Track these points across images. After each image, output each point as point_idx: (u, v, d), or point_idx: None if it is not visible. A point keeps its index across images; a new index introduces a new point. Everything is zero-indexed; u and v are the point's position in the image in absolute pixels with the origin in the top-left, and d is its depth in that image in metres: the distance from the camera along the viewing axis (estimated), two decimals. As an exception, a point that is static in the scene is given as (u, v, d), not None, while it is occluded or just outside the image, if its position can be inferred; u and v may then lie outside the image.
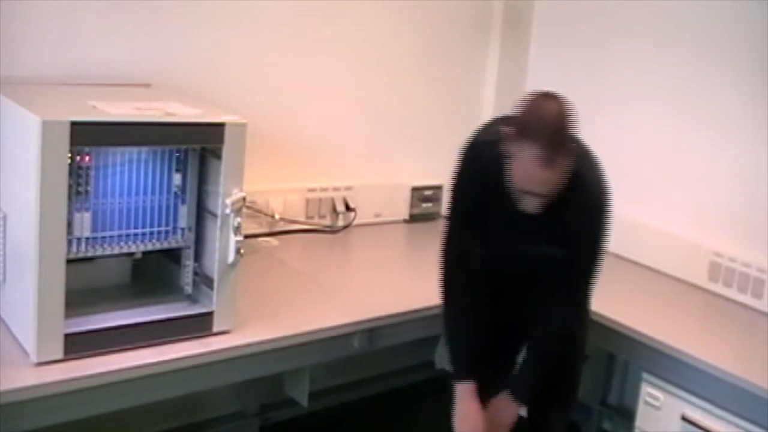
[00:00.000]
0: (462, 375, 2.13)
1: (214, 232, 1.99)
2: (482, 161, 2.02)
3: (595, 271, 2.07)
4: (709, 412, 2.17)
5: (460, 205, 2.11)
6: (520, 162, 1.85)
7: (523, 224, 1.99)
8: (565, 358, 2.20)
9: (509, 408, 2.13)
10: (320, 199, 3.02)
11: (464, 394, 2.11)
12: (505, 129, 1.90)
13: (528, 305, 2.16)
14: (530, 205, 1.91)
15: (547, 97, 1.91)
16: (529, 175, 1.85)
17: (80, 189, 1.85)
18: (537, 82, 3.36)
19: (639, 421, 2.37)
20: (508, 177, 1.90)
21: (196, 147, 2.00)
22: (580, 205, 1.97)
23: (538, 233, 2.01)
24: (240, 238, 1.98)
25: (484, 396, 2.12)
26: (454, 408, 2.13)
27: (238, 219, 1.97)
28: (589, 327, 2.26)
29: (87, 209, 1.87)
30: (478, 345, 2.14)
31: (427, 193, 3.31)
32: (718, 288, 2.76)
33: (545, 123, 1.85)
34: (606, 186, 2.03)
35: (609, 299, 2.55)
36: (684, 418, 2.22)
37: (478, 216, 2.08)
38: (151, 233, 1.99)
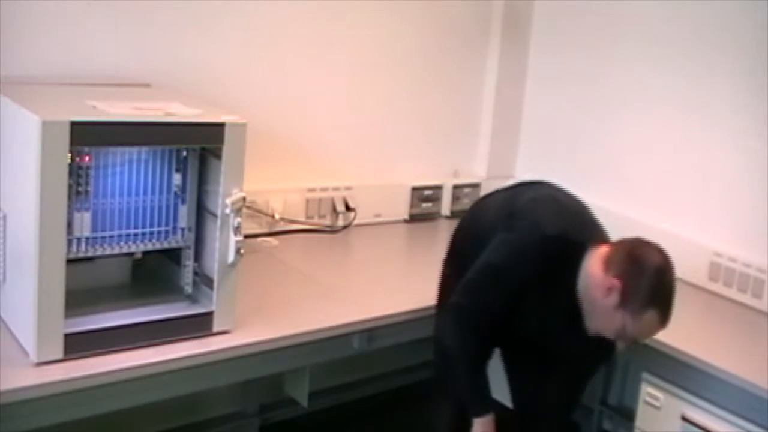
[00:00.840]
0: (482, 408, 2.05)
1: (214, 232, 1.98)
2: (550, 257, 1.96)
3: None
4: (709, 412, 2.17)
5: (502, 293, 1.99)
6: (644, 324, 1.92)
7: (560, 324, 2.04)
8: None
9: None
10: (320, 199, 3.02)
11: (483, 425, 2.04)
12: (620, 280, 1.90)
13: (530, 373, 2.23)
14: (617, 346, 2.00)
15: (656, 256, 1.98)
16: (648, 332, 1.97)
17: (80, 189, 1.84)
18: (537, 82, 3.38)
19: (639, 421, 2.37)
20: (600, 317, 1.94)
21: (196, 147, 2.00)
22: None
23: (571, 336, 2.03)
24: (240, 238, 1.98)
25: None
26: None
27: (238, 219, 1.97)
28: None
29: (87, 209, 1.87)
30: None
31: (427, 193, 3.31)
32: (718, 288, 2.76)
33: (668, 290, 1.96)
34: None
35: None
36: (684, 418, 2.22)
37: (510, 306, 2.02)
38: (151, 233, 1.99)
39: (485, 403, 2.05)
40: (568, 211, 2.06)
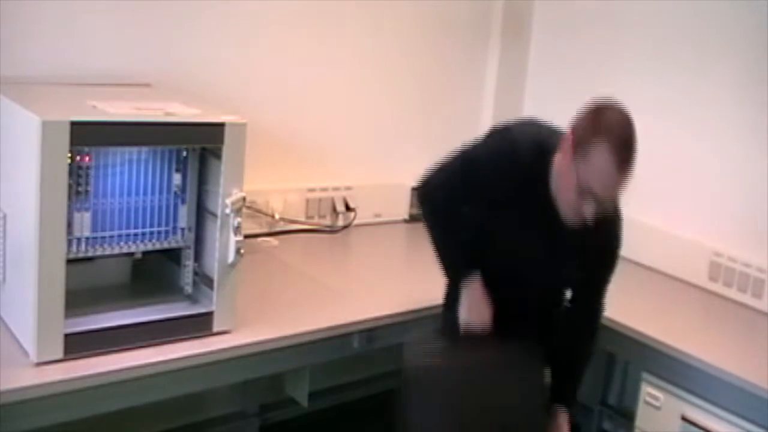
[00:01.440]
0: (462, 272, 2.06)
1: (214, 232, 1.99)
2: (521, 160, 1.92)
3: (610, 279, 2.10)
4: (709, 412, 2.17)
5: (469, 181, 2.00)
6: (593, 162, 1.78)
7: (545, 241, 1.96)
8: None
9: (565, 422, 2.11)
10: (320, 199, 3.02)
11: (470, 284, 2.03)
12: (572, 131, 1.83)
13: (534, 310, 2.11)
14: (584, 213, 1.84)
15: (607, 102, 1.90)
16: (602, 176, 1.79)
17: (80, 189, 1.85)
18: (537, 82, 3.38)
19: (639, 421, 2.37)
20: (561, 184, 1.86)
21: (196, 147, 2.00)
22: (611, 228, 2.00)
23: (565, 253, 1.98)
24: (240, 238, 1.98)
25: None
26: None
27: (238, 219, 1.97)
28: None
29: (87, 209, 1.87)
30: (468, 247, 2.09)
31: (427, 193, 3.31)
32: (718, 288, 2.76)
33: (619, 121, 1.83)
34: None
35: (609, 299, 2.55)
36: (684, 418, 2.22)
37: (480, 206, 2.03)
38: (151, 233, 1.99)
39: (465, 267, 2.06)
40: (542, 125, 2.04)
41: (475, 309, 2.03)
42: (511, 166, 1.93)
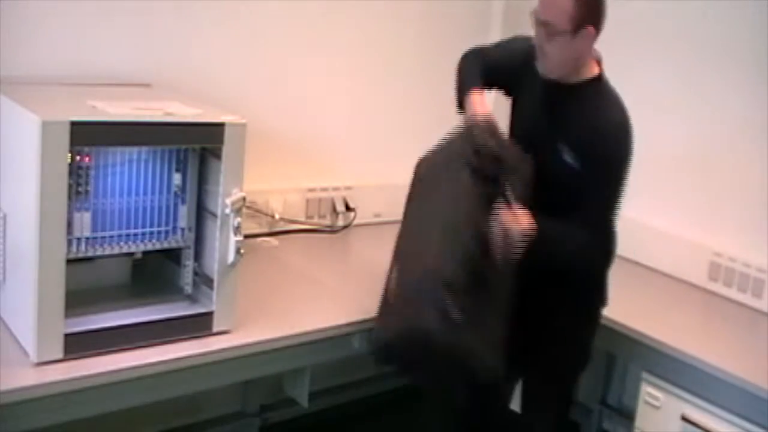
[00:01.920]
0: (473, 85, 2.24)
1: (214, 232, 1.99)
2: (526, 53, 2.13)
3: (609, 197, 2.08)
4: (709, 412, 2.17)
5: (497, 49, 2.33)
6: None
7: (543, 116, 2.13)
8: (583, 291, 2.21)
9: (527, 218, 1.99)
10: (320, 199, 3.02)
11: (473, 90, 2.21)
12: None
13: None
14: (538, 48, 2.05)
15: None
16: None
17: (80, 189, 1.84)
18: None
19: (639, 421, 2.37)
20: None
21: (196, 147, 2.00)
22: (597, 108, 2.06)
23: (555, 128, 2.09)
24: (240, 238, 1.98)
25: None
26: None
27: (238, 219, 1.97)
28: (608, 262, 2.22)
29: (87, 209, 1.87)
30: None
31: (427, 193, 3.31)
32: (718, 288, 2.76)
33: None
34: (626, 113, 2.10)
35: (610, 299, 2.56)
36: (684, 418, 2.22)
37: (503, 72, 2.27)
38: (151, 233, 1.99)
39: (476, 82, 2.25)
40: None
41: (478, 104, 2.17)
42: (526, 54, 2.14)
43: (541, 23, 2.03)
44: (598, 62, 2.15)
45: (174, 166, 2.00)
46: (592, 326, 2.28)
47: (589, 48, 2.08)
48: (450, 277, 1.98)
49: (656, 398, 2.30)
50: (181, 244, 2.05)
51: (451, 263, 1.99)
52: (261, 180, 2.64)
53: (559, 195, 2.06)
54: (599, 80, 2.12)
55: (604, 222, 2.12)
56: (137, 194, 1.95)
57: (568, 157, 2.07)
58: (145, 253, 2.02)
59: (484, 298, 2.04)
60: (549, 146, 2.09)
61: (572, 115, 2.09)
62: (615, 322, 2.40)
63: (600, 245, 2.14)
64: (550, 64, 2.08)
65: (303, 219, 2.98)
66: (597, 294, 2.26)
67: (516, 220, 1.98)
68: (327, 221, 3.05)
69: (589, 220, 2.07)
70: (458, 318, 1.95)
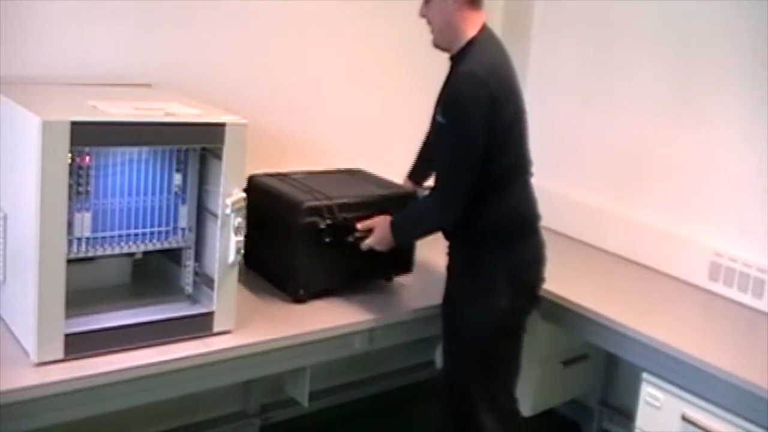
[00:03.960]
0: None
1: (214, 232, 1.99)
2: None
3: (455, 142, 2.12)
4: (709, 412, 2.17)
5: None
6: None
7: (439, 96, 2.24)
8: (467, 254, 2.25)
9: (383, 228, 2.27)
10: (320, 199, 3.02)
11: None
12: None
13: None
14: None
15: None
16: None
17: (80, 189, 1.85)
18: (537, 82, 3.37)
19: (639, 421, 2.36)
20: None
21: (197, 147, 2.00)
22: (461, 67, 2.14)
23: (438, 101, 2.22)
24: (240, 238, 1.98)
25: None
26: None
27: (239, 219, 1.97)
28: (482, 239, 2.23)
29: (87, 209, 1.87)
30: None
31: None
32: (718, 288, 2.75)
33: None
34: (482, 64, 2.13)
35: (610, 299, 2.56)
36: (684, 418, 2.22)
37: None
38: (152, 233, 1.99)
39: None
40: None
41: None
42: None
43: None
44: (484, 26, 2.21)
45: (174, 166, 2.00)
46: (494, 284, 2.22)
47: (464, 11, 2.17)
48: None
49: (656, 398, 2.30)
50: (182, 244, 2.05)
51: None
52: (261, 180, 2.64)
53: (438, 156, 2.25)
54: (472, 42, 2.17)
55: (459, 168, 2.14)
56: (138, 194, 1.95)
57: (439, 117, 2.18)
58: (146, 253, 2.03)
59: None
60: (434, 119, 2.27)
61: (446, 82, 2.21)
62: (615, 322, 2.40)
63: (456, 196, 2.15)
64: (434, 32, 2.24)
65: (303, 219, 2.97)
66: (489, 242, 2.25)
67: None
68: (327, 221, 3.04)
69: (443, 168, 2.19)
70: None
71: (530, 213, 2.28)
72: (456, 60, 2.20)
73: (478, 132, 2.09)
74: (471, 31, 2.18)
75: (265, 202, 2.40)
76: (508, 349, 2.29)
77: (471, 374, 2.27)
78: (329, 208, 2.32)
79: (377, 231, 2.29)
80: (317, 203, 2.32)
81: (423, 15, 2.25)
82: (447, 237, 2.31)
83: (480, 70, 2.10)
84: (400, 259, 2.52)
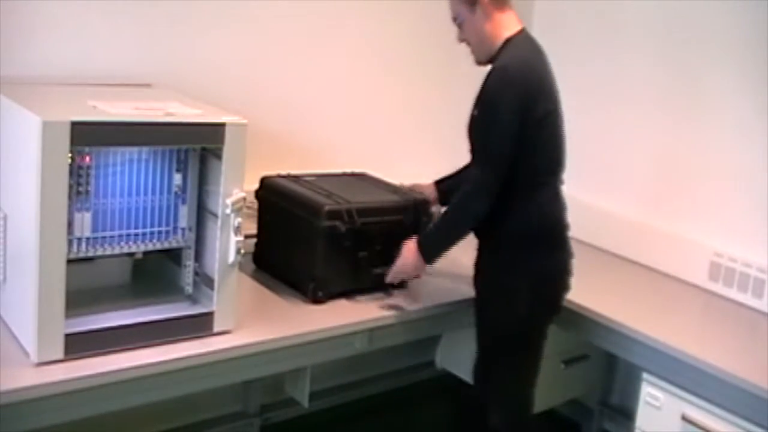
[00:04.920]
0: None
1: (214, 232, 1.99)
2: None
3: (486, 131, 2.14)
4: (709, 412, 2.17)
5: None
6: None
7: None
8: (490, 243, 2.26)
9: (410, 250, 2.26)
10: (320, 199, 3.01)
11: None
12: None
13: None
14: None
15: None
16: None
17: (80, 189, 1.85)
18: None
19: (639, 421, 2.37)
20: None
21: (197, 147, 2.00)
22: (489, 70, 2.17)
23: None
24: (240, 238, 1.98)
25: None
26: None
27: (239, 219, 1.97)
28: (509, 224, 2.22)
29: (87, 209, 1.87)
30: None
31: (428, 193, 3.31)
32: (718, 288, 2.76)
33: None
34: (515, 58, 2.15)
35: (610, 299, 2.56)
36: (684, 418, 2.22)
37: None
38: (152, 233, 1.99)
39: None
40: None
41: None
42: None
43: (453, 21, 2.26)
44: (522, 31, 2.22)
45: (174, 166, 2.00)
46: (524, 285, 2.22)
47: (492, 16, 2.18)
48: None
49: (656, 398, 2.30)
50: (182, 244, 2.05)
51: None
52: (261, 180, 2.64)
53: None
54: (508, 41, 2.18)
55: (490, 158, 2.16)
56: (138, 194, 1.95)
57: (474, 111, 2.21)
58: (146, 253, 2.02)
59: None
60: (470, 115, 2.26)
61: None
62: (615, 322, 2.40)
63: (486, 184, 2.15)
64: (475, 50, 2.25)
65: (303, 219, 2.97)
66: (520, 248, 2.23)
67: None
68: (327, 221, 3.04)
69: (476, 160, 2.22)
70: None
71: (558, 221, 2.26)
72: (493, 60, 2.20)
73: (509, 123, 2.10)
74: (505, 32, 2.19)
75: (281, 203, 2.43)
76: (526, 354, 2.29)
77: (485, 375, 2.30)
78: (349, 212, 2.32)
79: (404, 258, 2.28)
80: (338, 207, 2.32)
81: (461, 40, 2.27)
82: (477, 236, 2.29)
83: (511, 64, 2.13)
84: None
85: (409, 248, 2.27)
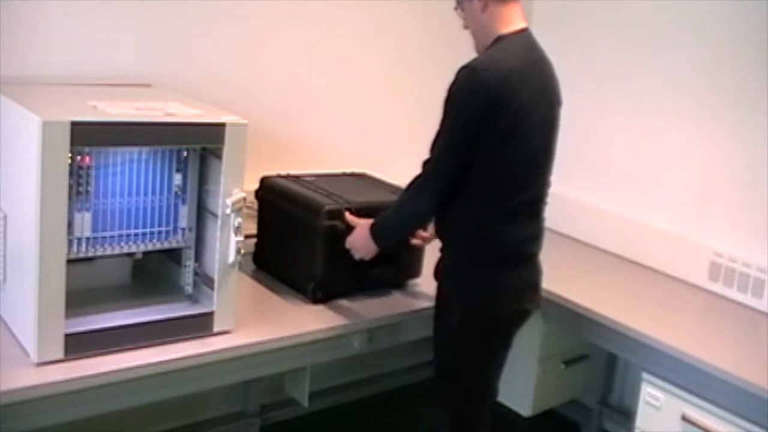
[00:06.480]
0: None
1: (214, 232, 1.99)
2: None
3: (437, 137, 2.07)
4: (709, 412, 2.17)
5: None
6: None
7: None
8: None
9: (362, 230, 2.20)
10: (320, 199, 3.01)
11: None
12: None
13: None
14: None
15: None
16: None
17: (80, 189, 1.85)
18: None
19: (639, 421, 2.37)
20: None
21: (197, 147, 2.00)
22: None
23: None
24: (240, 238, 1.98)
25: None
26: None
27: (239, 219, 1.97)
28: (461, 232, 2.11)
29: (87, 209, 1.87)
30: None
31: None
32: (718, 288, 2.76)
33: None
34: (488, 60, 2.06)
35: (610, 299, 2.56)
36: (684, 418, 2.22)
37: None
38: (152, 233, 1.99)
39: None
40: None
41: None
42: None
43: (455, 9, 2.21)
44: (523, 30, 2.17)
45: (174, 166, 2.00)
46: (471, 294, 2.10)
47: (490, 7, 2.10)
48: None
49: (656, 398, 2.30)
50: (182, 244, 2.05)
51: None
52: (261, 180, 2.64)
53: None
54: (498, 39, 2.10)
55: (435, 161, 2.07)
56: (138, 194, 1.95)
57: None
58: (146, 253, 2.02)
59: None
60: None
61: None
62: (615, 322, 2.40)
63: (426, 185, 2.09)
64: (474, 39, 2.19)
65: (303, 219, 2.97)
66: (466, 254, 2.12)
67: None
68: (327, 221, 3.04)
69: (430, 158, 2.11)
70: None
71: (501, 241, 2.06)
72: None
73: (462, 129, 2.00)
74: (501, 28, 2.09)
75: (281, 203, 2.43)
76: (469, 365, 2.14)
77: (436, 380, 2.22)
78: (349, 212, 2.32)
79: (355, 235, 2.23)
80: (337, 207, 2.32)
81: (465, 26, 2.20)
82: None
83: (483, 68, 1.99)
84: (412, 263, 2.53)
85: (362, 228, 2.21)
